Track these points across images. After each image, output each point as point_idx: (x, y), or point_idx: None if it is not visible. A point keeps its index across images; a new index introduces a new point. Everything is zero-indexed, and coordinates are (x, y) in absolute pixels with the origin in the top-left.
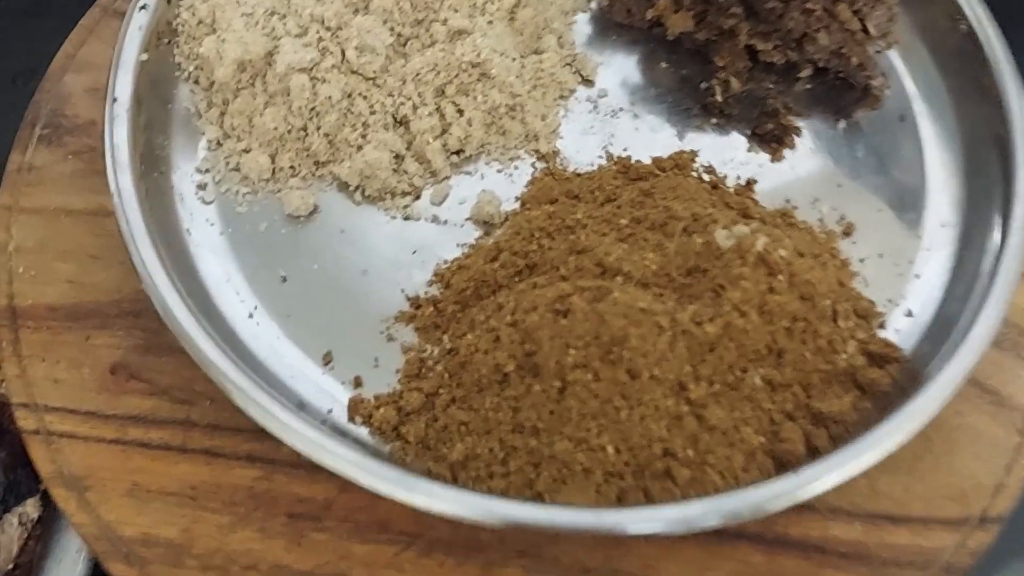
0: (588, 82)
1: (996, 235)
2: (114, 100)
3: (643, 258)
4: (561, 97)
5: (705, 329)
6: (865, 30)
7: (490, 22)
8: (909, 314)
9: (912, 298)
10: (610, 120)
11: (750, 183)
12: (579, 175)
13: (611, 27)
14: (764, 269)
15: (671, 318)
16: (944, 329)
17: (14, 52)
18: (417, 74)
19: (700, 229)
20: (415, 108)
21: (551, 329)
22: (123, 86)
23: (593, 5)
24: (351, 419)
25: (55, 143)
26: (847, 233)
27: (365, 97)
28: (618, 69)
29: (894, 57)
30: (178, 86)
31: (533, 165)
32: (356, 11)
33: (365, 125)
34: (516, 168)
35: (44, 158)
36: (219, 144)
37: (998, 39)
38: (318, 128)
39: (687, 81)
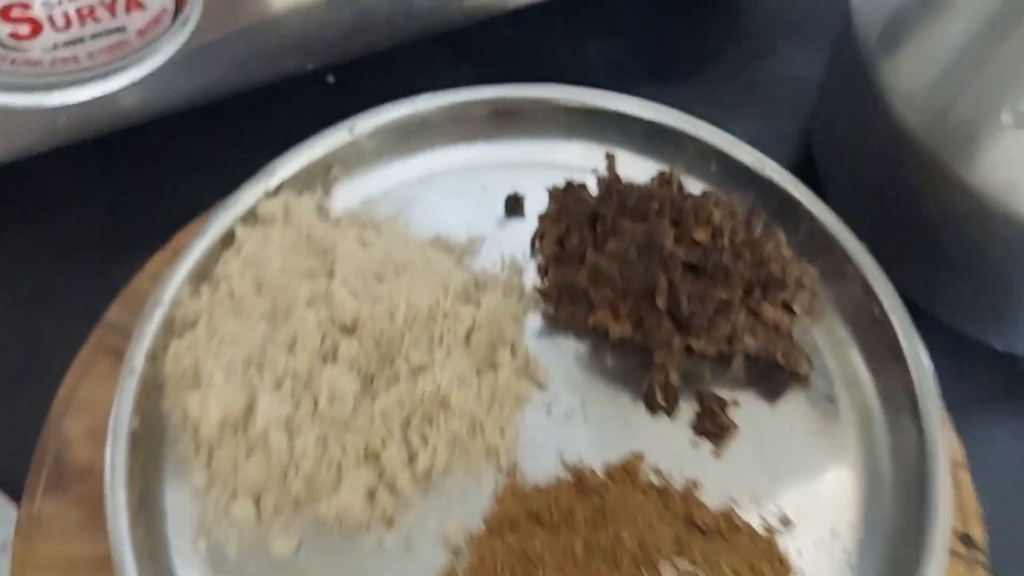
0: (541, 386)
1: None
2: (112, 469)
3: None
4: (517, 405)
5: None
6: (791, 312)
7: (447, 352)
8: None
9: None
10: (563, 424)
11: (694, 485)
12: (538, 490)
13: (560, 329)
14: None
15: None
16: None
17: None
18: (384, 411)
19: (645, 561)
20: (384, 442)
21: None
22: (119, 456)
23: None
24: None
25: (60, 490)
26: (785, 524)
27: (337, 440)
28: (567, 371)
29: (819, 336)
30: (167, 433)
31: (495, 479)
32: (325, 359)
33: (339, 465)
34: (479, 483)
35: (51, 508)
36: (207, 490)
37: (909, 326)
38: (297, 473)
39: (631, 378)
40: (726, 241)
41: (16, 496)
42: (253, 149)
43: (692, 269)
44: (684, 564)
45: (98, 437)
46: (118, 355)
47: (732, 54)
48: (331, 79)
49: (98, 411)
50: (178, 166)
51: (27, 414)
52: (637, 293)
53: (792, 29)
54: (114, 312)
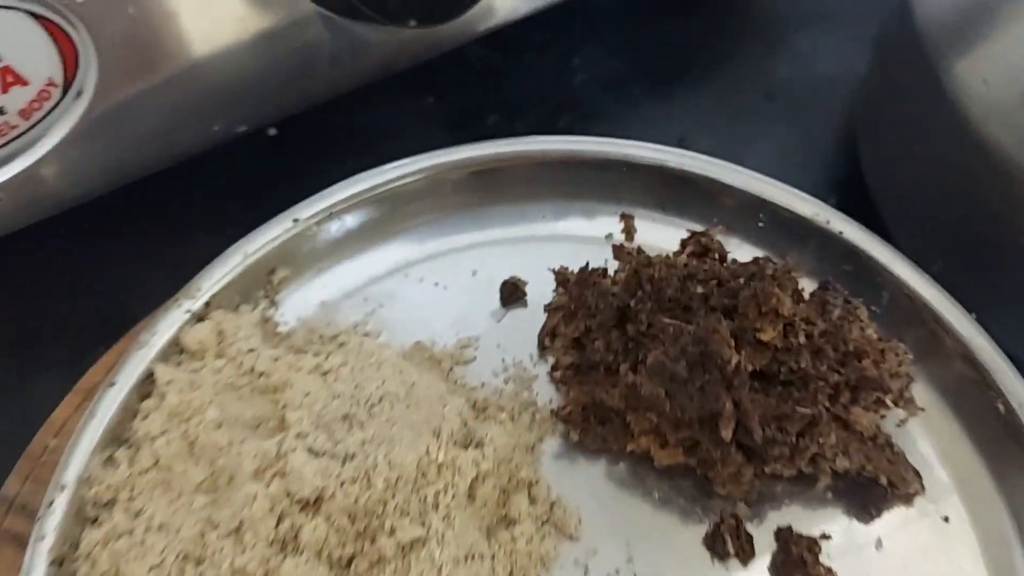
0: (572, 537)
1: None
2: None
3: None
4: (544, 569)
5: None
6: (884, 405)
7: (446, 516)
8: None
9: None
10: None
11: None
12: None
13: (586, 452)
14: None
15: None
16: None
17: None
18: None
19: None
20: None
21: None
22: None
23: (557, 429)
24: None
25: None
26: None
27: None
28: (604, 512)
29: (920, 431)
30: None
31: None
32: (284, 548)
33: None
34: None
35: None
36: None
37: None
38: None
39: (687, 514)
40: (801, 337)
41: None
42: (188, 233)
43: (759, 375)
44: None
45: None
46: (21, 542)
47: (744, 53)
48: (272, 131)
49: None
50: (96, 268)
51: None
52: (692, 420)
53: (813, 18)
54: (12, 484)
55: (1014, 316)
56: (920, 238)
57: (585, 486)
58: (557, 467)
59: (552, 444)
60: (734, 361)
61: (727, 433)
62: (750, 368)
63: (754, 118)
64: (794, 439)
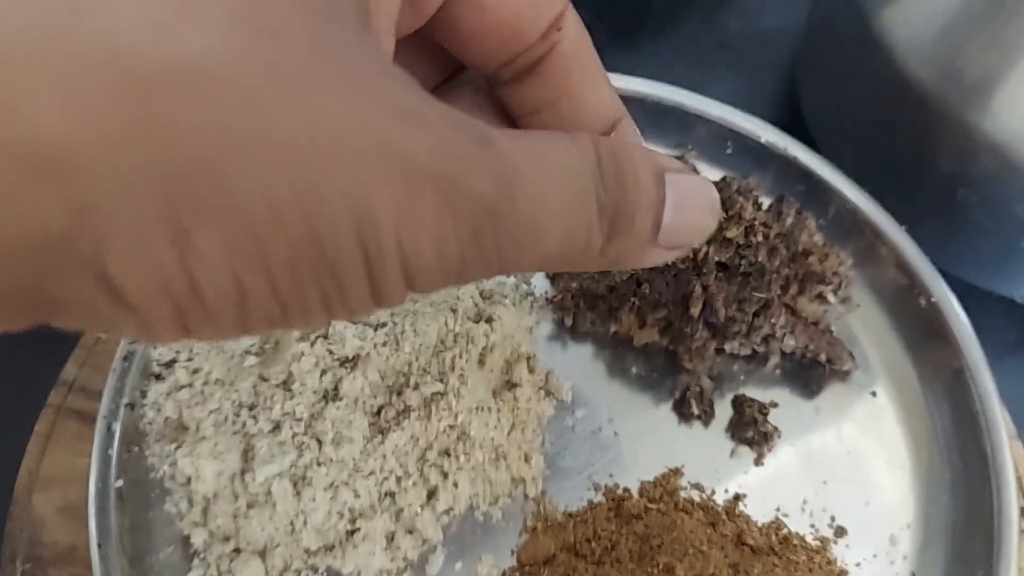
0: (562, 403)
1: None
2: (98, 543)
3: None
4: (539, 426)
5: None
6: (825, 301)
7: (461, 375)
8: None
9: None
10: (590, 441)
11: (738, 498)
12: (572, 517)
13: (575, 335)
14: None
15: None
16: None
17: None
18: (397, 448)
19: None
20: (399, 480)
21: None
22: (105, 526)
23: (551, 315)
24: None
25: None
26: (839, 535)
27: (347, 484)
28: (589, 383)
29: (855, 324)
30: (154, 489)
31: (523, 510)
32: (327, 398)
33: (351, 511)
34: (506, 516)
35: None
36: (207, 546)
37: (960, 315)
38: (305, 523)
39: (658, 384)
40: (759, 237)
41: None
42: None
43: (724, 268)
44: None
45: (75, 512)
46: (83, 418)
47: (699, 7)
48: None
49: (70, 483)
50: None
51: None
52: (668, 301)
53: None
54: (71, 369)
55: (932, 227)
56: (853, 165)
57: (574, 363)
58: (551, 347)
59: (547, 329)
60: (703, 250)
61: (696, 310)
62: (717, 259)
63: (708, 65)
64: (751, 318)
